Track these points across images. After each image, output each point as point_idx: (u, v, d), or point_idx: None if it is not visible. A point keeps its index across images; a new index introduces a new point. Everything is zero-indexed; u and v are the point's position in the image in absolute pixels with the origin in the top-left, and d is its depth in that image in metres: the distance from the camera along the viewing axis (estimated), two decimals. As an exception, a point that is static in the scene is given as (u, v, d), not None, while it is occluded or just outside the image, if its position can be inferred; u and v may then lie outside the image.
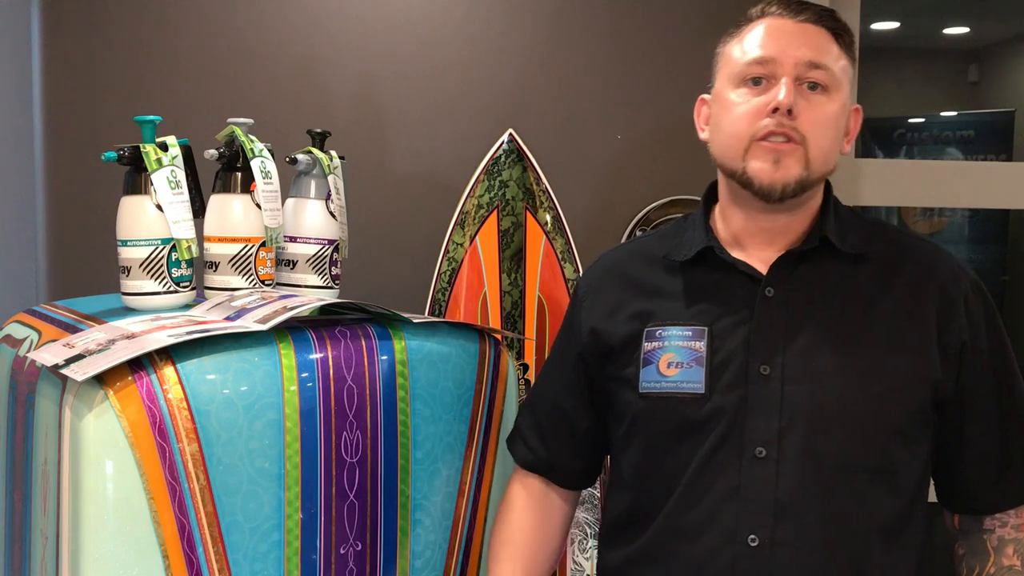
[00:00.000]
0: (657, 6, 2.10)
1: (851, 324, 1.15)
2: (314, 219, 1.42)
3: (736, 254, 1.20)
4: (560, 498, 1.34)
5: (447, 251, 1.95)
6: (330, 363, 1.17)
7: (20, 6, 2.04)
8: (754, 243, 1.20)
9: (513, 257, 1.94)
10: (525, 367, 1.93)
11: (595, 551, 1.90)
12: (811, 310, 1.15)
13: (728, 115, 1.17)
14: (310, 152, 1.42)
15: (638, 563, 1.19)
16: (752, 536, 1.10)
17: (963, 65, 5.14)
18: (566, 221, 1.97)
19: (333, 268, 1.44)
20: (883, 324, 1.15)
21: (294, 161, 1.40)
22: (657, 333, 1.18)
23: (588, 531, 1.90)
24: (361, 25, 2.02)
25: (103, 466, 1.02)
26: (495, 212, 1.94)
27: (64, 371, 1.03)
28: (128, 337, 1.09)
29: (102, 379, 1.03)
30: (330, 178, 1.42)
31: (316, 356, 1.16)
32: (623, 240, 2.07)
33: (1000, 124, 4.52)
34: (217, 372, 1.09)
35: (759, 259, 1.19)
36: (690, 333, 1.16)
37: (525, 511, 1.31)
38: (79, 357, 1.05)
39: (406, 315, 1.27)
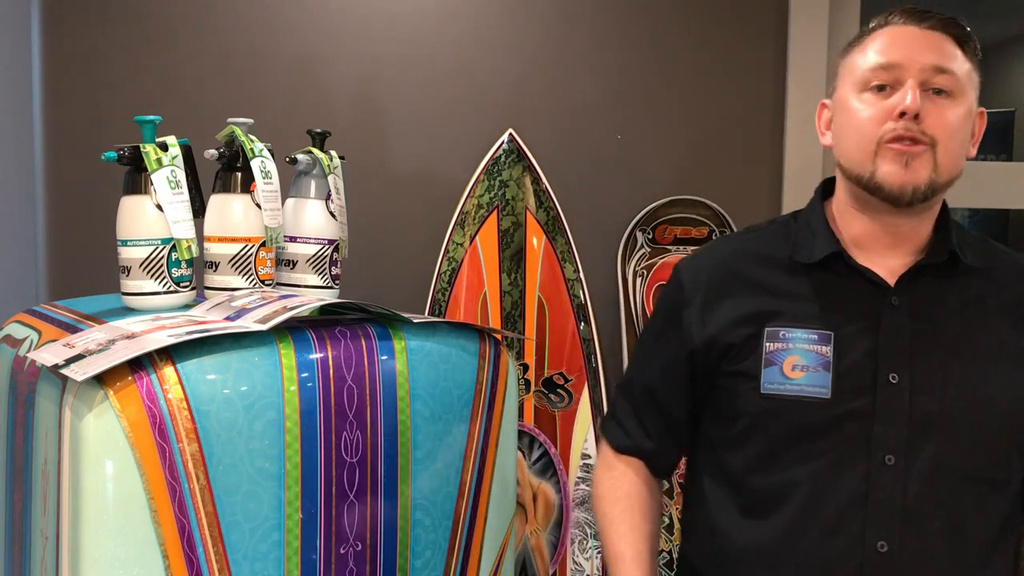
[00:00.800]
0: (657, 6, 2.10)
1: (974, 337, 1.17)
2: (314, 219, 1.42)
3: (860, 260, 1.20)
4: (657, 484, 1.36)
5: (447, 251, 1.95)
6: (330, 363, 1.17)
7: (20, 5, 2.04)
8: (877, 248, 1.20)
9: (513, 257, 1.94)
10: (525, 367, 1.93)
11: (595, 551, 1.90)
12: (935, 322, 1.17)
13: (853, 120, 1.17)
14: (310, 152, 1.42)
15: (746, 559, 1.20)
16: (881, 543, 1.13)
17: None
18: (566, 221, 1.97)
19: (333, 268, 1.44)
20: (1004, 339, 1.17)
21: (294, 161, 1.40)
22: (781, 334, 1.18)
23: (588, 531, 1.90)
24: (361, 25, 2.02)
25: (103, 466, 1.02)
26: (495, 212, 1.94)
27: (64, 371, 1.03)
28: (128, 337, 1.09)
29: (102, 379, 1.03)
30: (330, 178, 1.42)
31: (316, 356, 1.16)
32: (623, 240, 2.07)
33: (1000, 124, 4.52)
34: (217, 372, 1.09)
35: (882, 266, 1.20)
36: (816, 337, 1.17)
37: (635, 479, 1.33)
38: (79, 357, 1.05)
39: (406, 315, 1.27)
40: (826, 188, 1.29)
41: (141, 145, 1.27)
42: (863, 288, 1.19)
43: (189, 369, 1.07)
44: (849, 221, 1.22)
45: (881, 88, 1.15)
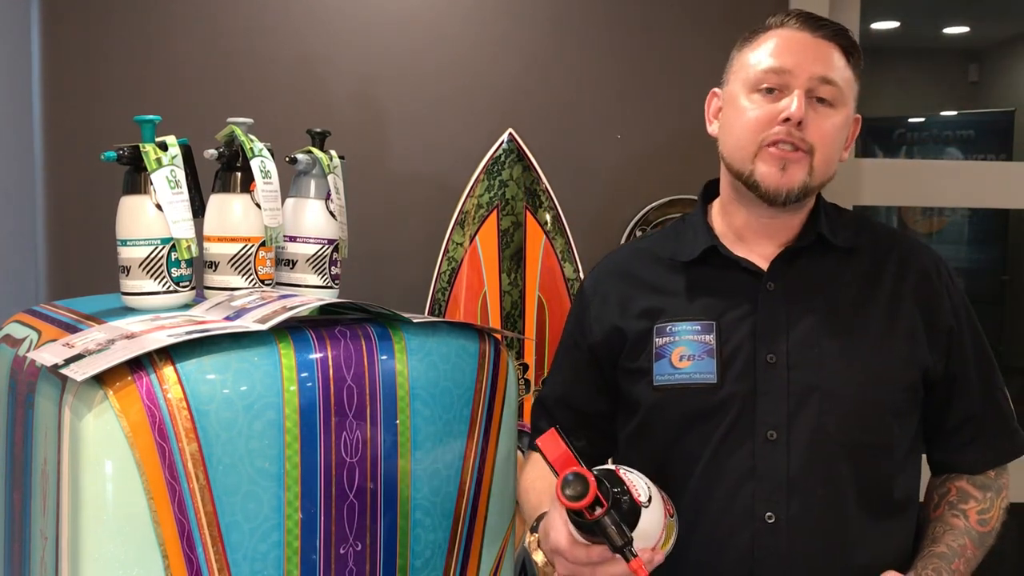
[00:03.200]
0: (657, 6, 2.10)
1: (847, 312, 1.23)
2: (314, 219, 1.42)
3: (737, 250, 1.28)
4: None
5: (447, 251, 1.95)
6: (330, 363, 1.17)
7: (20, 5, 2.04)
8: (755, 239, 1.28)
9: (513, 257, 1.94)
10: (525, 367, 1.93)
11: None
12: (810, 301, 1.24)
13: (740, 119, 1.23)
14: (310, 152, 1.42)
15: None
16: (769, 514, 1.19)
17: (963, 65, 5.14)
18: (566, 221, 1.97)
19: (333, 268, 1.44)
20: (877, 312, 1.24)
21: (294, 161, 1.40)
22: (668, 329, 1.26)
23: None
24: (361, 25, 2.02)
25: (103, 466, 1.02)
26: (495, 212, 1.94)
27: (64, 371, 1.03)
28: (128, 337, 1.09)
29: (102, 379, 1.03)
30: (330, 178, 1.42)
31: (316, 356, 1.16)
32: (623, 240, 2.07)
33: (1000, 124, 4.52)
34: (217, 372, 1.09)
35: (759, 255, 1.28)
36: (699, 327, 1.24)
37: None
38: (79, 357, 1.05)
39: (406, 315, 1.27)
40: (708, 189, 1.38)
41: (141, 145, 1.27)
42: (740, 277, 1.26)
43: (189, 369, 1.07)
44: (731, 214, 1.31)
45: (770, 91, 1.21)
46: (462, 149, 2.01)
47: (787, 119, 1.18)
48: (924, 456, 1.35)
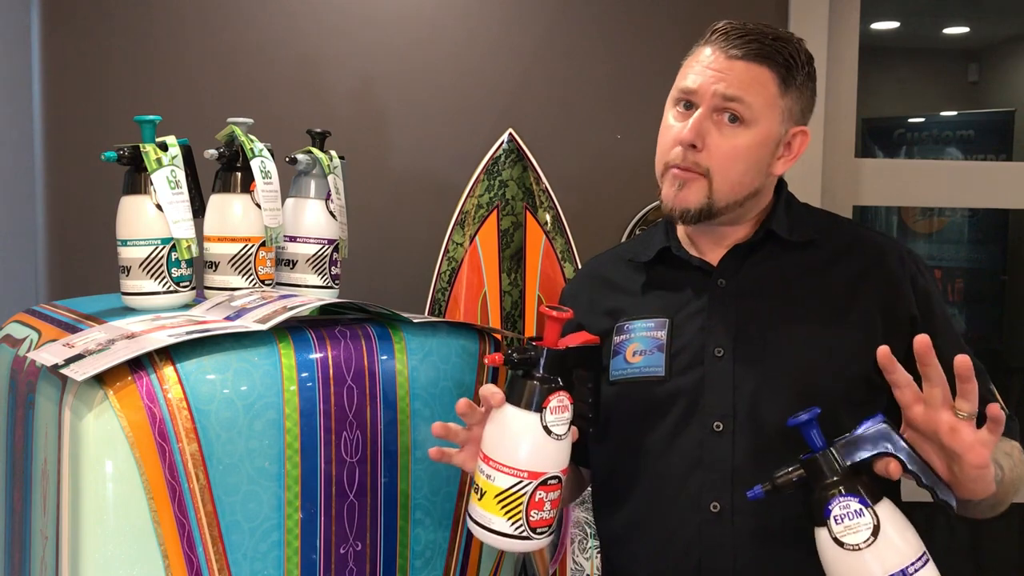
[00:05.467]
0: (657, 6, 2.10)
1: (797, 305, 1.24)
2: (314, 219, 1.42)
3: (691, 251, 1.31)
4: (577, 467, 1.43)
5: (447, 251, 1.95)
6: (330, 363, 1.17)
7: (20, 6, 2.04)
8: (705, 243, 1.31)
9: (513, 257, 1.94)
10: (525, 367, 1.93)
11: (595, 551, 1.90)
12: (760, 296, 1.26)
13: (660, 138, 1.28)
14: (310, 152, 1.42)
15: (623, 533, 1.29)
16: (714, 503, 1.21)
17: (963, 65, 5.13)
18: (566, 221, 1.97)
19: (333, 268, 1.44)
20: (828, 303, 1.24)
21: (294, 161, 1.40)
22: (625, 327, 1.29)
23: (588, 531, 1.90)
24: (361, 25, 2.02)
25: (103, 466, 1.02)
26: (495, 212, 1.94)
27: (64, 371, 1.03)
28: (128, 337, 1.09)
29: (102, 379, 1.03)
30: (330, 178, 1.42)
31: (316, 356, 1.16)
32: (623, 240, 2.07)
33: (1000, 124, 4.52)
34: (217, 372, 1.09)
35: (711, 255, 1.30)
36: (653, 324, 1.28)
37: None
38: (79, 357, 1.05)
39: (406, 315, 1.27)
40: None
41: (141, 145, 1.27)
42: (694, 276, 1.29)
43: (189, 369, 1.07)
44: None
45: (688, 105, 1.24)
46: (462, 149, 2.01)
47: (681, 141, 1.22)
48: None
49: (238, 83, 1.98)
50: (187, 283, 1.30)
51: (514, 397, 1.10)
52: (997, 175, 2.46)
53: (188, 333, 1.08)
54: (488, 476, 1.09)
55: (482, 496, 1.09)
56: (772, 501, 1.15)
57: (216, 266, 1.34)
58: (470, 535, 1.33)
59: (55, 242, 1.99)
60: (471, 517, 1.12)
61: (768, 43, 1.23)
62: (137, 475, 1.03)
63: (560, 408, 1.11)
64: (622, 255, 1.40)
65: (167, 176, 1.27)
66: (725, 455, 1.21)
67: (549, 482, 1.10)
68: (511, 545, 1.10)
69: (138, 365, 1.05)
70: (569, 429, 1.12)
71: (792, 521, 1.17)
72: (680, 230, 1.34)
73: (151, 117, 1.29)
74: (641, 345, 1.27)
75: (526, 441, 1.09)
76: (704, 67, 1.23)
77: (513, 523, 1.09)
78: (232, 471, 1.09)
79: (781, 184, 1.33)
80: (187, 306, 1.30)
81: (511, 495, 1.08)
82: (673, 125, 1.25)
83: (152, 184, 1.26)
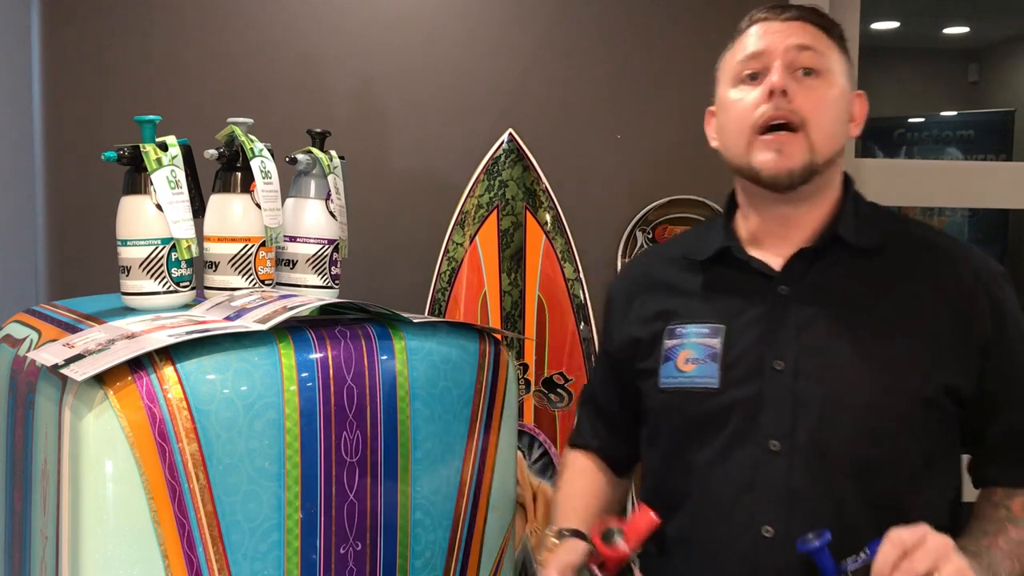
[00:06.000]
0: (656, 5, 2.10)
1: (863, 319, 1.16)
2: (314, 219, 1.42)
3: (753, 253, 1.23)
4: (615, 476, 1.41)
5: (447, 251, 1.95)
6: (330, 363, 1.17)
7: (20, 6, 2.04)
8: (771, 240, 1.23)
9: (513, 257, 1.94)
10: (525, 367, 1.93)
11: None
12: (824, 306, 1.17)
13: (731, 112, 1.21)
14: (310, 152, 1.42)
15: (668, 546, 1.23)
16: (767, 527, 1.14)
17: (963, 65, 5.14)
18: (566, 221, 1.97)
19: (333, 268, 1.44)
20: (895, 319, 1.16)
21: (294, 161, 1.40)
22: (677, 331, 1.23)
23: (588, 531, 1.90)
24: (361, 25, 2.02)
25: (103, 466, 1.02)
26: (495, 212, 1.94)
27: (64, 371, 1.03)
28: (128, 337, 1.09)
29: (102, 379, 1.03)
30: (330, 178, 1.42)
31: (316, 356, 1.16)
32: (623, 240, 2.07)
33: (1000, 124, 4.52)
34: (217, 372, 1.09)
35: (775, 257, 1.22)
36: (707, 330, 1.20)
37: (592, 464, 1.39)
38: (79, 357, 1.05)
39: (406, 315, 1.27)
40: (732, 196, 1.32)
41: (141, 145, 1.27)
42: (754, 280, 1.21)
43: (189, 369, 1.07)
44: (747, 217, 1.26)
45: (754, 76, 1.19)
46: (462, 149, 2.01)
47: (771, 92, 1.15)
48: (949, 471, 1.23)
49: (238, 83, 1.98)
50: (187, 283, 1.30)
51: None
52: (997, 175, 2.46)
53: (188, 333, 1.08)
54: None
55: None
56: (832, 527, 1.07)
57: (216, 266, 1.34)
58: (470, 535, 1.33)
59: (55, 242, 1.99)
60: None
61: (809, 9, 1.22)
62: (137, 475, 1.03)
63: None
64: (674, 252, 1.33)
65: (167, 176, 1.27)
66: (781, 477, 1.13)
67: None
68: None
69: (138, 365, 1.05)
70: None
71: (854, 548, 1.08)
72: (742, 229, 1.27)
73: (151, 117, 1.29)
74: (694, 352, 1.20)
75: None
76: (766, 31, 1.19)
77: None
78: (232, 471, 1.09)
79: (848, 180, 1.26)
80: (187, 306, 1.30)
81: None
82: (741, 98, 1.19)
83: (152, 184, 1.26)
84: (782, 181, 1.16)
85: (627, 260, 1.48)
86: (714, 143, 1.28)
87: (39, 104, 1.97)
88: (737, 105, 1.19)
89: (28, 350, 1.21)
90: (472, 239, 1.93)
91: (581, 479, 1.37)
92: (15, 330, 1.35)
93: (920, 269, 1.19)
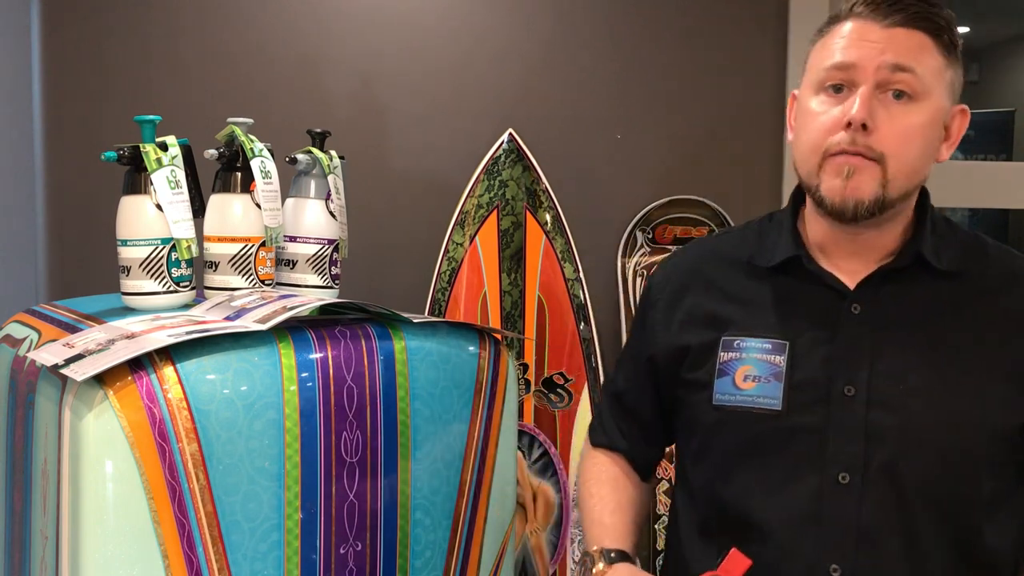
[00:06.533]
0: (656, 5, 2.10)
1: (941, 346, 1.08)
2: (314, 219, 1.42)
3: (823, 264, 1.14)
4: (642, 481, 1.33)
5: (447, 251, 1.95)
6: (330, 363, 1.17)
7: (20, 6, 2.04)
8: (840, 252, 1.14)
9: (513, 257, 1.94)
10: (525, 367, 1.93)
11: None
12: (899, 330, 1.09)
13: (806, 125, 1.10)
14: (310, 152, 1.42)
15: None
16: (834, 566, 1.05)
17: (963, 65, 5.13)
18: (566, 221, 1.97)
19: (333, 268, 1.44)
20: (975, 347, 1.08)
21: (294, 161, 1.40)
22: (735, 343, 1.13)
23: (588, 531, 1.90)
24: (361, 25, 2.02)
25: (103, 466, 1.02)
26: (495, 212, 1.94)
27: (64, 371, 1.03)
28: (128, 337, 1.09)
29: (102, 379, 1.03)
30: (330, 178, 1.42)
31: (316, 356, 1.16)
32: (623, 240, 2.07)
33: (1000, 124, 4.52)
34: (217, 372, 1.09)
35: (847, 271, 1.13)
36: (770, 346, 1.11)
37: (619, 469, 1.30)
38: (79, 357, 1.05)
39: (406, 315, 1.27)
40: (801, 190, 1.20)
41: (141, 145, 1.27)
42: (822, 294, 1.12)
43: (189, 369, 1.07)
44: (812, 225, 1.16)
45: (838, 89, 1.07)
46: (462, 149, 2.01)
47: (849, 124, 1.04)
48: None
49: (238, 83, 1.98)
50: (187, 283, 1.30)
51: None
52: (997, 175, 2.46)
53: (188, 333, 1.08)
54: None
55: None
56: (899, 567, 1.04)
57: (216, 266, 1.34)
58: (470, 535, 1.33)
59: (55, 242, 1.99)
60: None
61: (919, 9, 1.07)
62: (137, 475, 1.03)
63: None
64: (727, 252, 1.22)
65: (167, 176, 1.27)
66: (850, 513, 1.05)
67: None
68: None
69: (138, 365, 1.05)
70: None
71: None
72: (812, 235, 1.16)
73: (151, 117, 1.29)
74: (755, 369, 1.10)
75: None
76: (858, 39, 1.06)
77: None
78: (232, 471, 1.09)
79: (924, 194, 1.15)
80: (187, 306, 1.30)
81: None
82: (822, 111, 1.07)
83: (152, 184, 1.26)
84: (847, 212, 1.06)
85: (674, 251, 1.31)
86: (790, 138, 1.18)
87: (39, 104, 1.97)
88: (815, 120, 1.08)
89: (28, 350, 1.21)
90: (472, 239, 1.93)
91: (614, 491, 1.28)
92: (15, 330, 1.35)
93: (1003, 295, 1.11)
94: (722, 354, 1.13)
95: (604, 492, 1.28)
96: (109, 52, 1.95)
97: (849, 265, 1.13)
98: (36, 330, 1.29)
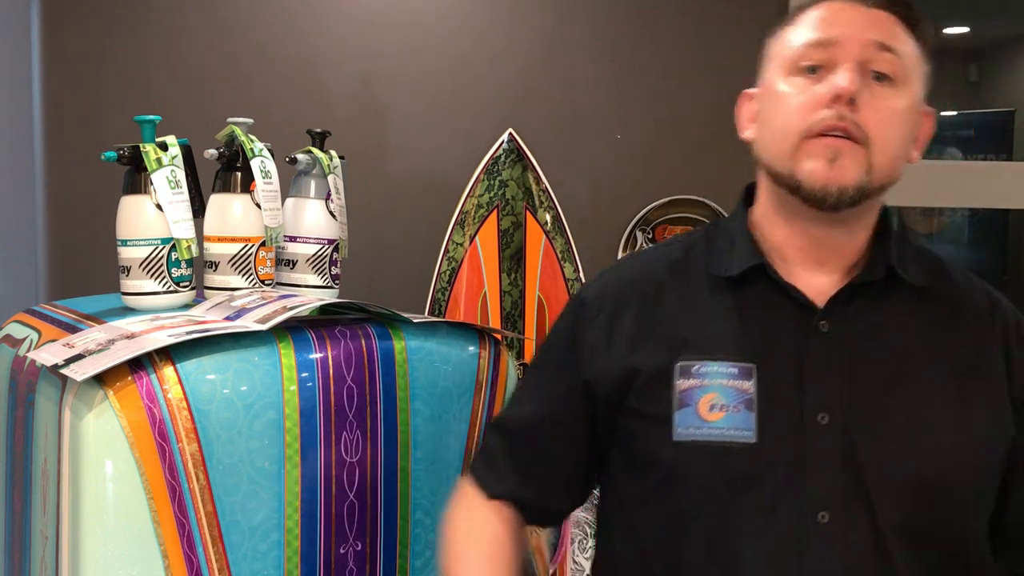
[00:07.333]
0: (656, 6, 2.10)
1: (919, 369, 0.99)
2: (314, 219, 1.42)
3: (786, 274, 1.02)
4: (522, 532, 1.12)
5: (447, 251, 1.95)
6: (330, 363, 1.17)
7: (20, 5, 2.04)
8: (803, 262, 1.02)
9: (513, 257, 1.94)
10: (525, 367, 1.93)
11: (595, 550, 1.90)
12: (872, 350, 0.99)
13: (779, 107, 0.99)
14: (310, 152, 1.42)
15: None
16: None
17: (963, 65, 5.14)
18: (566, 221, 1.97)
19: (333, 268, 1.44)
20: (954, 370, 1.00)
21: (294, 161, 1.40)
22: (695, 369, 0.99)
23: (588, 531, 1.90)
24: (361, 25, 2.02)
25: (103, 466, 1.02)
26: (495, 212, 1.94)
27: (64, 371, 1.03)
28: (128, 337, 1.09)
29: (102, 379, 1.03)
30: (330, 178, 1.42)
31: (316, 356, 1.16)
32: (623, 240, 2.07)
33: (1000, 124, 4.52)
34: (217, 372, 1.09)
35: (810, 284, 1.01)
36: (736, 371, 0.98)
37: (502, 528, 1.09)
38: (79, 357, 1.05)
39: (406, 315, 1.27)
40: (750, 192, 1.09)
41: (141, 145, 1.27)
42: (787, 310, 1.00)
43: (189, 369, 1.07)
44: (770, 230, 1.04)
45: (813, 70, 0.97)
46: (462, 149, 2.01)
47: (837, 96, 0.93)
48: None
49: (238, 83, 1.98)
50: (187, 283, 1.30)
51: None
52: (997, 175, 2.46)
53: (188, 333, 1.08)
54: None
55: None
56: None
57: (216, 266, 1.34)
58: (470, 535, 1.33)
59: (55, 242, 1.99)
60: None
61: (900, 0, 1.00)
62: (137, 475, 1.03)
63: None
64: (676, 262, 1.07)
65: (167, 176, 1.27)
66: (834, 556, 0.94)
67: None
68: None
69: (138, 365, 1.05)
70: None
71: None
72: (772, 240, 1.03)
73: (151, 117, 1.29)
74: (721, 397, 0.97)
75: None
76: (839, 17, 0.97)
77: None
78: (232, 471, 1.09)
79: (884, 207, 1.06)
80: (187, 306, 1.30)
81: None
82: (798, 91, 0.97)
83: (152, 184, 1.26)
84: (829, 198, 0.95)
85: (613, 266, 1.16)
86: (746, 134, 1.07)
87: (39, 104, 1.97)
88: (789, 101, 0.98)
89: (28, 350, 1.21)
90: (472, 239, 1.93)
91: (490, 560, 1.06)
92: (15, 330, 1.35)
93: (966, 317, 1.03)
94: (680, 382, 0.99)
95: (485, 562, 1.06)
96: (109, 52, 1.95)
97: (813, 276, 1.01)
98: (36, 330, 1.29)
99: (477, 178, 1.95)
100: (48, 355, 1.10)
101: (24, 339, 1.28)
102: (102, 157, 1.26)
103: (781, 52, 1.01)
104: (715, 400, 0.98)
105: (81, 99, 1.95)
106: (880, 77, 0.96)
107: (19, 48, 2.05)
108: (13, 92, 2.10)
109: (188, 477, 1.05)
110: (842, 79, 0.94)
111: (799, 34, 0.99)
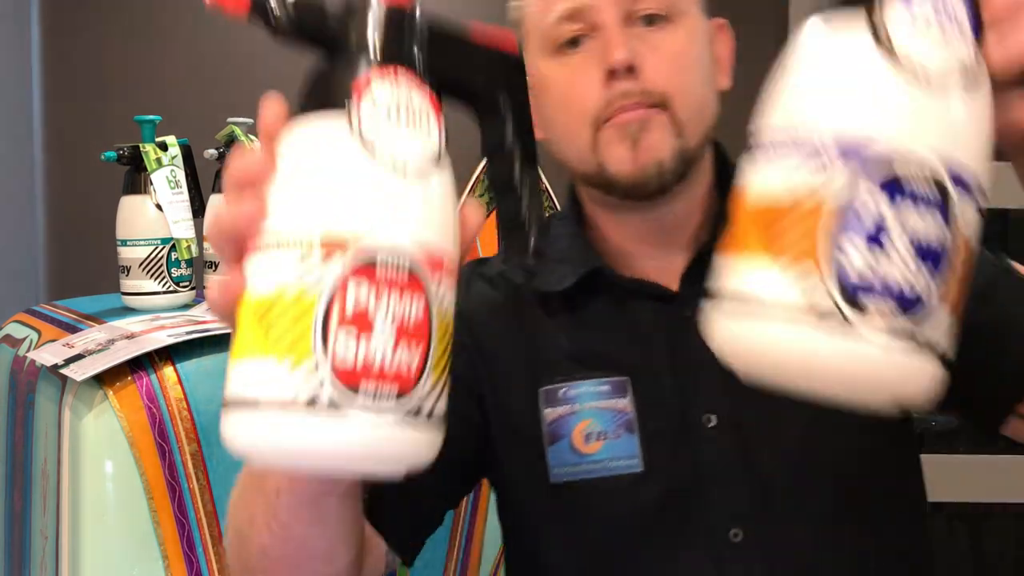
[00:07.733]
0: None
1: None
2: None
3: (628, 269, 0.88)
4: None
5: (447, 251, 1.95)
6: (330, 363, 1.17)
7: (20, 7, 2.04)
8: (649, 251, 0.88)
9: (513, 257, 1.94)
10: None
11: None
12: None
13: (555, 101, 0.84)
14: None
15: None
16: None
17: None
18: (566, 221, 1.97)
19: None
20: None
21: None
22: (560, 393, 0.84)
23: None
24: (361, 25, 2.02)
25: (103, 466, 1.02)
26: (495, 212, 1.94)
27: (64, 371, 1.03)
28: (128, 337, 1.09)
29: (102, 379, 1.03)
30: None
31: (316, 356, 1.16)
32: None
33: (1000, 124, 4.53)
34: (217, 372, 1.09)
35: (662, 270, 0.87)
36: (608, 387, 0.84)
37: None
38: (79, 357, 1.05)
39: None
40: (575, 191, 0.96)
41: (141, 145, 1.27)
42: (643, 306, 0.86)
43: (189, 369, 1.07)
44: (607, 228, 0.90)
45: (574, 43, 0.82)
46: (462, 149, 2.01)
47: (611, 73, 0.79)
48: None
49: (238, 83, 1.98)
50: (187, 283, 1.30)
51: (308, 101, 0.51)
52: (997, 175, 2.46)
53: (188, 333, 1.08)
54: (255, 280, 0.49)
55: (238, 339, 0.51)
56: None
57: (216, 266, 1.34)
58: (470, 535, 1.33)
59: (55, 242, 1.99)
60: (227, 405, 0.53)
61: None
62: (137, 475, 1.03)
63: (399, 101, 0.51)
64: (504, 277, 0.91)
65: (167, 176, 1.27)
66: (757, 573, 0.81)
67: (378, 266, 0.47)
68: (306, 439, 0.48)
69: (138, 365, 1.05)
70: (440, 159, 0.55)
71: None
72: (610, 239, 0.90)
73: (151, 117, 1.29)
74: (597, 423, 0.83)
75: (321, 180, 0.48)
76: None
77: (294, 371, 0.47)
78: (232, 471, 1.09)
79: (717, 145, 0.90)
80: (187, 306, 1.30)
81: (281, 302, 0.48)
82: (565, 76, 0.83)
83: (152, 184, 1.26)
84: (649, 184, 0.81)
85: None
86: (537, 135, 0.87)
87: (39, 104, 1.97)
88: (562, 91, 0.83)
89: (28, 350, 1.21)
90: (472, 239, 1.93)
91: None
92: (15, 330, 1.35)
93: None
94: (546, 410, 0.84)
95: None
96: (109, 52, 1.96)
97: (661, 262, 0.87)
98: (36, 330, 1.29)
99: (477, 178, 1.95)
100: (48, 355, 1.10)
101: (24, 339, 1.28)
102: (102, 157, 1.26)
103: (534, 34, 0.85)
104: (590, 427, 0.83)
105: (81, 99, 1.95)
106: (651, 19, 0.81)
107: (19, 48, 2.05)
108: (13, 92, 2.10)
109: (188, 477, 1.05)
110: (610, 52, 0.79)
111: (544, 9, 0.84)
